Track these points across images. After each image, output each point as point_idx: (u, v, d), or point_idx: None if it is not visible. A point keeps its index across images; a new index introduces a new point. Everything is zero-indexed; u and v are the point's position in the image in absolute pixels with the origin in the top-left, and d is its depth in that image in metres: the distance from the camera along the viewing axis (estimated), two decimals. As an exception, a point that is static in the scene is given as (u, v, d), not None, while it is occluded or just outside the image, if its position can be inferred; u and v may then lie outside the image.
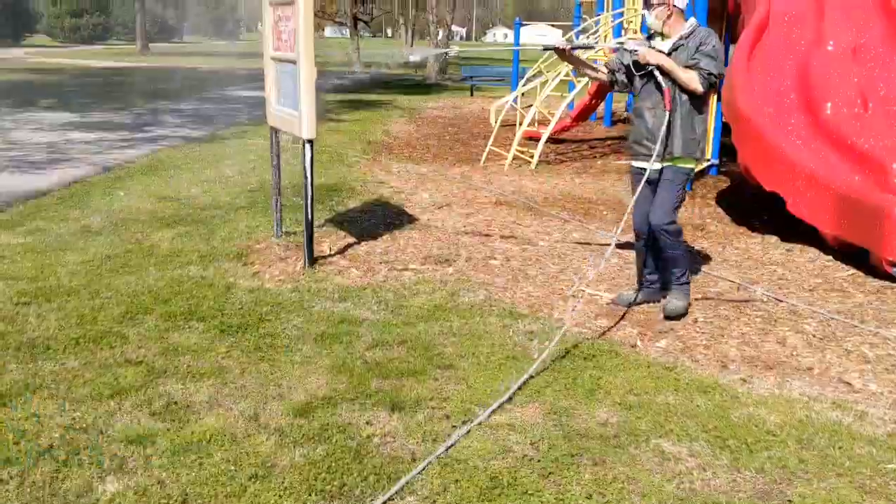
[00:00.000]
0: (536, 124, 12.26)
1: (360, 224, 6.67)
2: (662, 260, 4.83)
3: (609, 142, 13.02)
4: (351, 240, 6.15)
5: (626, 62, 4.71)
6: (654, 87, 4.58)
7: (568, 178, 9.50)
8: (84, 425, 3.17)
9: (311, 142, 5.30)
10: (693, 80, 4.47)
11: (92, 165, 9.30)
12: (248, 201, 7.36)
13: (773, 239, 6.57)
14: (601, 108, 15.39)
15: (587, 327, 4.51)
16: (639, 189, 4.65)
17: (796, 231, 6.40)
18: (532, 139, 11.42)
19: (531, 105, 11.43)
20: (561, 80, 11.23)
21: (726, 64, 5.49)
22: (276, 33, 5.71)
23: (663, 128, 4.51)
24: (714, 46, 4.50)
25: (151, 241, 5.98)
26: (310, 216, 5.34)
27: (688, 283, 4.81)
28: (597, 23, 13.09)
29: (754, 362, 4.08)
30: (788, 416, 3.43)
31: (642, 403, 3.50)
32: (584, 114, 12.45)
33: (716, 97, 8.27)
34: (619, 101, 17.62)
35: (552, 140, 12.61)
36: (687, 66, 4.47)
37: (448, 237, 6.35)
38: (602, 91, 12.33)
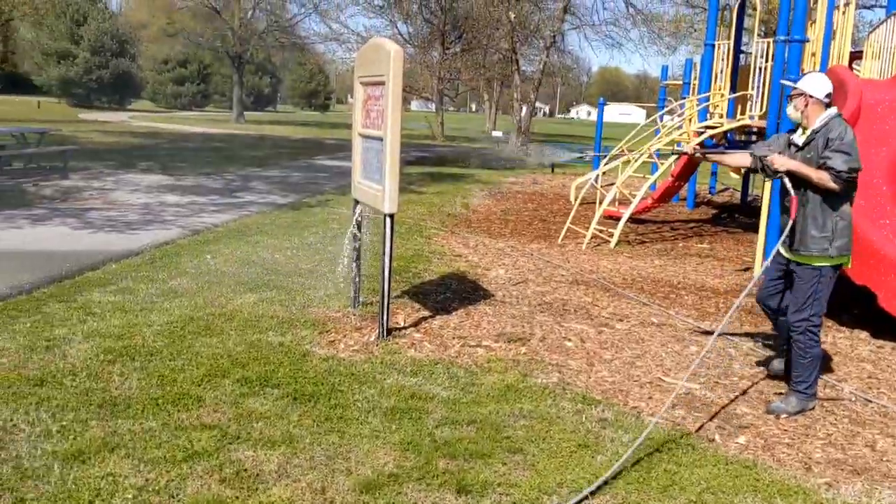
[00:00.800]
0: (617, 204, 12.21)
1: (434, 297, 6.72)
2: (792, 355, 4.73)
3: (691, 224, 12.85)
4: (426, 313, 6.19)
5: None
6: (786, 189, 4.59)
7: (648, 260, 9.38)
8: (157, 488, 3.22)
9: (392, 216, 5.40)
10: (825, 181, 4.39)
11: (182, 228, 9.68)
12: (328, 269, 7.51)
13: (864, 334, 6.31)
14: (684, 189, 15.26)
15: (663, 417, 4.38)
16: (766, 263, 4.80)
17: (888, 327, 6.13)
18: (612, 218, 11.38)
19: (612, 184, 11.42)
20: (643, 162, 11.20)
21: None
22: (365, 111, 5.90)
23: (787, 229, 4.59)
24: (844, 140, 4.37)
25: (234, 305, 6.15)
26: (386, 289, 5.41)
27: (805, 393, 4.60)
28: (682, 105, 13.09)
29: (840, 466, 3.88)
30: (877, 529, 3.23)
31: (719, 503, 3.36)
32: (667, 195, 12.37)
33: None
34: (701, 184, 17.46)
35: (633, 220, 12.54)
36: (819, 165, 4.40)
37: (522, 315, 6.32)
38: (685, 173, 12.25)
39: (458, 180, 18.20)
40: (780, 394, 4.84)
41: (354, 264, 6.17)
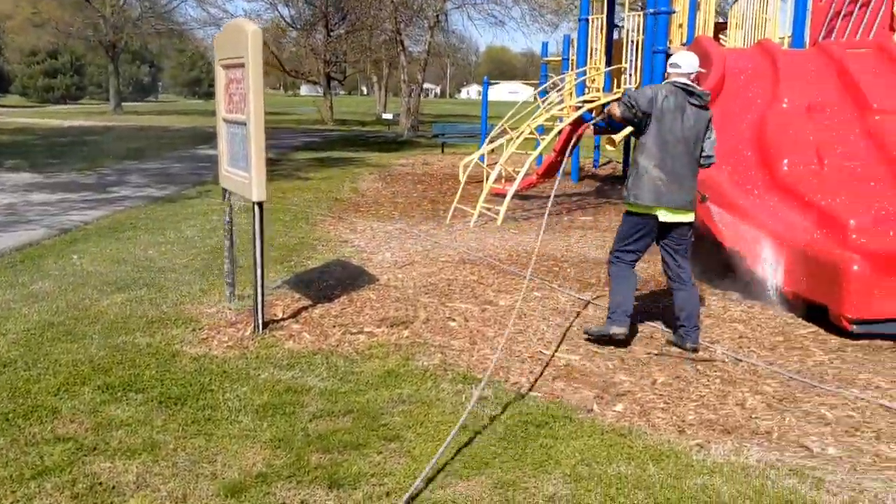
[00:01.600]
0: (504, 181, 12.28)
1: (317, 286, 6.54)
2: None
3: (576, 198, 13.06)
4: (306, 302, 6.02)
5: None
6: None
7: (533, 235, 9.46)
8: (-1, 511, 2.97)
9: (261, 204, 5.20)
10: (612, 106, 5.21)
11: (48, 228, 9.12)
12: (204, 264, 7.22)
13: (735, 295, 6.52)
14: (568, 163, 15.51)
15: (543, 391, 4.38)
16: None
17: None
18: (500, 196, 11.43)
19: (497, 162, 11.46)
20: (526, 138, 11.28)
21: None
22: (228, 95, 5.65)
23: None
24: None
25: (99, 306, 5.81)
26: (259, 280, 5.22)
27: (609, 318, 5.17)
28: (562, 80, 13.26)
29: (712, 426, 3.97)
30: (743, 486, 3.30)
31: (593, 475, 3.37)
32: (551, 170, 12.51)
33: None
34: (586, 158, 17.80)
35: (520, 197, 12.64)
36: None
37: (407, 298, 6.23)
38: (566, 147, 12.43)
39: (348, 164, 17.95)
40: (656, 356, 4.94)
41: (227, 256, 5.93)
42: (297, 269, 7.13)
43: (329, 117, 39.31)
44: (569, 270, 7.46)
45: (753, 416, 4.12)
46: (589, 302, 6.30)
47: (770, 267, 5.99)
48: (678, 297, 5.17)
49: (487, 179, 10.91)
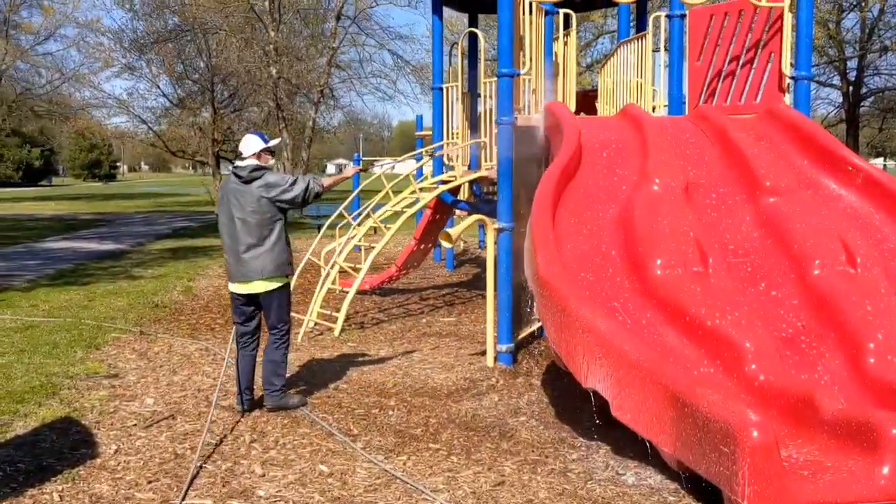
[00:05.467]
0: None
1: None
2: None
3: (445, 290, 11.29)
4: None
5: None
6: None
7: (374, 350, 7.57)
8: None
9: None
10: None
11: None
12: None
13: (602, 451, 4.74)
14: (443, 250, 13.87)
15: None
16: None
17: (634, 441, 4.60)
18: (362, 293, 9.57)
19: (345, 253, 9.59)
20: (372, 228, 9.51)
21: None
22: None
23: None
24: None
25: None
26: None
27: None
28: (418, 157, 11.69)
29: None
30: None
31: None
32: (412, 260, 10.74)
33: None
34: (471, 237, 16.20)
35: (383, 292, 10.83)
36: None
37: (114, 500, 4.19)
38: (432, 231, 10.71)
39: (203, 255, 15.80)
40: None
41: None
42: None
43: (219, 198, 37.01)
44: (391, 415, 5.55)
45: None
46: (396, 478, 4.39)
47: (643, 419, 4.21)
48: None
49: (324, 277, 9.03)
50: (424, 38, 31.88)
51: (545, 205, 5.20)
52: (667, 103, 8.34)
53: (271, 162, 5.44)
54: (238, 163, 5.31)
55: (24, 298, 10.38)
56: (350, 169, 6.14)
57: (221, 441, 4.95)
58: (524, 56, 6.84)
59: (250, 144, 5.29)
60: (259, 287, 5.29)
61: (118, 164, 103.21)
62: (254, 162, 5.25)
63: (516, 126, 6.60)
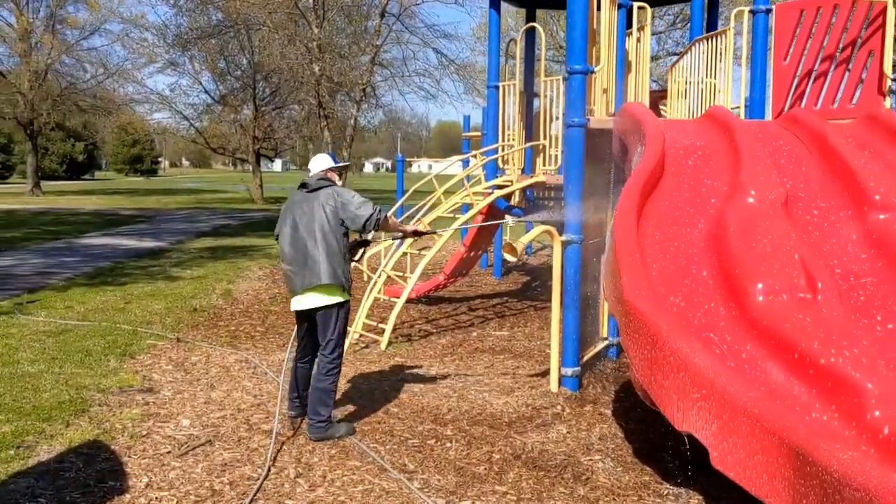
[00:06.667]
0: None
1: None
2: None
3: (495, 301, 10.74)
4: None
5: None
6: None
7: (425, 367, 7.06)
8: None
9: None
10: None
11: None
12: None
13: (695, 502, 4.16)
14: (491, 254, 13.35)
15: None
16: None
17: (732, 487, 4.01)
18: (408, 301, 9.03)
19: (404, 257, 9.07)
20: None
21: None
22: None
23: None
24: None
25: None
26: None
27: None
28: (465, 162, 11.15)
29: None
30: None
31: None
32: (461, 267, 10.19)
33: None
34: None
35: (429, 301, 10.32)
36: None
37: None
38: (483, 239, 10.16)
39: (242, 255, 15.44)
40: None
41: None
42: (16, 461, 4.57)
43: (259, 196, 36.90)
44: (449, 447, 5.01)
45: None
46: (460, 528, 3.85)
47: (752, 475, 3.61)
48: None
49: (371, 286, 8.53)
50: (469, 37, 31.37)
51: (629, 218, 4.62)
52: (734, 105, 7.68)
53: (338, 182, 5.38)
54: (306, 179, 5.32)
55: (60, 299, 10.04)
56: (421, 227, 6.11)
57: (263, 475, 4.45)
58: (596, 52, 6.25)
59: (320, 162, 5.38)
60: (313, 301, 5.01)
61: (159, 159, 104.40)
62: (322, 175, 5.29)
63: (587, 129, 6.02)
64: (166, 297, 10.41)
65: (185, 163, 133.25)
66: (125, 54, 57.66)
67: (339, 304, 5.02)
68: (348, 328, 5.31)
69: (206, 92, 36.07)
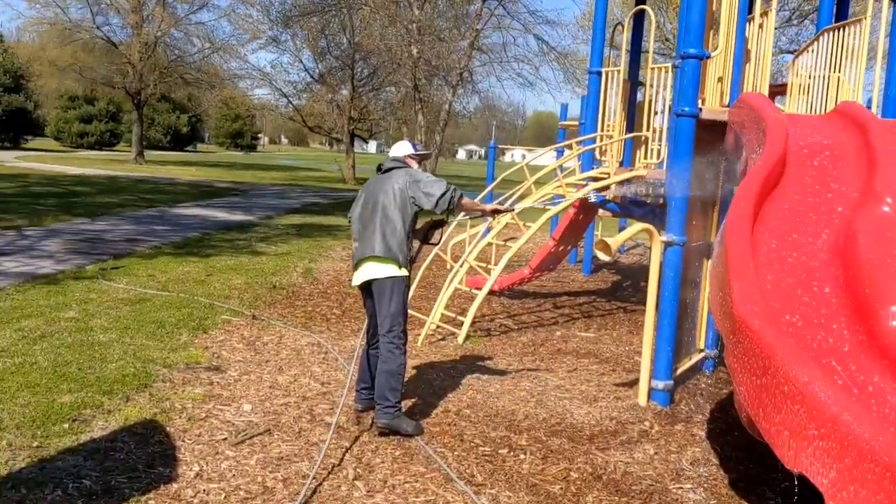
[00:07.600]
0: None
1: (43, 491, 3.79)
2: None
3: (582, 299, 10.22)
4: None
5: None
6: None
7: (504, 365, 6.65)
8: None
9: None
10: None
11: None
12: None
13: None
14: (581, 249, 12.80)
15: None
16: None
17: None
18: (490, 293, 8.61)
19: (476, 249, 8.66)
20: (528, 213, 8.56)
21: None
22: None
23: None
24: None
25: None
26: None
27: None
28: (559, 151, 10.60)
29: None
30: None
31: None
32: (548, 261, 9.69)
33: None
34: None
35: (512, 294, 9.90)
36: None
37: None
38: (573, 233, 9.64)
39: (327, 234, 15.35)
40: None
41: None
42: (68, 436, 4.40)
43: (351, 176, 37.09)
44: (523, 459, 4.59)
45: None
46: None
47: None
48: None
49: (452, 275, 8.15)
50: (572, 26, 30.56)
51: (743, 221, 4.08)
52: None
53: (417, 168, 5.23)
54: (384, 162, 5.24)
55: (144, 266, 10.07)
56: (499, 206, 5.89)
57: (320, 475, 4.13)
58: (714, 37, 5.67)
59: (401, 148, 5.30)
60: (368, 272, 4.86)
61: (259, 135, 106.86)
62: (401, 160, 5.19)
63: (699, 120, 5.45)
64: (247, 271, 10.32)
65: (284, 140, 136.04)
66: (231, 30, 58.89)
67: (393, 279, 4.79)
68: (408, 309, 4.99)
69: (306, 70, 36.40)
